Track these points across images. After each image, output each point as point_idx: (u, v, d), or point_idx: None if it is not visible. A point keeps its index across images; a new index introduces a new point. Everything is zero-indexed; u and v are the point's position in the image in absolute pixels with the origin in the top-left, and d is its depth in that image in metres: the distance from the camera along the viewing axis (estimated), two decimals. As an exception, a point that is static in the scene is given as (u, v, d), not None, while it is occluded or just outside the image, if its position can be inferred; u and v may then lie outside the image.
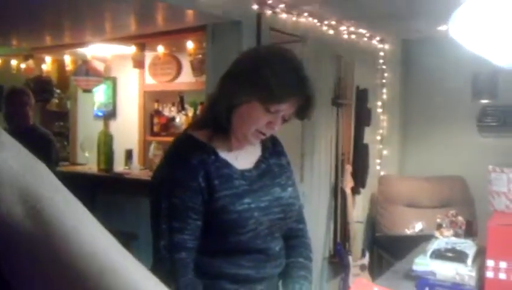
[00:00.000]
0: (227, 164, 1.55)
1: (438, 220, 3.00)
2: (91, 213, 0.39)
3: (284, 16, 3.55)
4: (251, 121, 1.51)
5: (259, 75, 1.48)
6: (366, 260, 3.91)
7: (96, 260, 0.37)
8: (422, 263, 1.86)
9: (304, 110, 1.56)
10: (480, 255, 1.90)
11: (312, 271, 1.73)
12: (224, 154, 1.56)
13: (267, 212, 1.56)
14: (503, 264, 1.71)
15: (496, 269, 1.73)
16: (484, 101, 4.81)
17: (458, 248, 1.94)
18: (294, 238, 1.74)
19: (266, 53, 1.61)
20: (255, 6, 3.31)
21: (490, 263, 1.73)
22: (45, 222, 0.35)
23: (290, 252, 1.71)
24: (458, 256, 1.87)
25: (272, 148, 1.71)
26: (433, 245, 1.99)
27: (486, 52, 1.36)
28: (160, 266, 1.46)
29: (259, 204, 1.54)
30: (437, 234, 2.78)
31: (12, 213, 0.34)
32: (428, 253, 1.91)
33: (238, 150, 1.60)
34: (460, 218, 2.95)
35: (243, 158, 1.61)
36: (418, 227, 3.85)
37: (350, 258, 3.86)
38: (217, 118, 1.53)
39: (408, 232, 3.96)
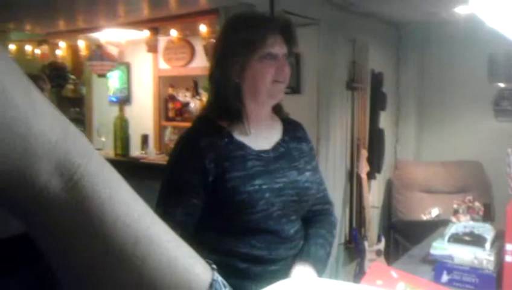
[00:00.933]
0: (242, 146, 1.58)
1: (455, 206, 2.97)
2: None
3: (297, -2, 3.51)
4: (261, 78, 1.56)
5: (234, 39, 1.56)
6: (381, 245, 3.89)
7: (132, 229, 0.36)
8: (440, 247, 1.84)
9: (291, 39, 1.61)
10: (499, 239, 1.87)
11: (332, 245, 1.72)
12: (241, 137, 1.59)
13: (281, 193, 1.57)
14: (522, 249, 1.68)
15: (515, 253, 1.70)
16: (501, 85, 4.73)
17: (476, 232, 1.91)
18: (319, 215, 1.76)
19: (229, 21, 1.69)
20: (269, -11, 3.27)
21: (509, 247, 1.70)
22: (81, 193, 0.34)
23: (313, 224, 1.73)
24: (476, 240, 1.84)
25: (292, 133, 1.72)
26: (451, 229, 1.96)
27: (507, 30, 1.33)
28: None
29: (272, 185, 1.55)
30: (454, 219, 2.76)
31: (49, 187, 0.33)
32: (446, 237, 1.89)
33: (257, 130, 1.62)
34: (477, 203, 2.91)
35: (262, 140, 1.63)
36: (434, 213, 3.82)
37: (366, 243, 3.84)
38: (229, 100, 1.58)
39: (424, 217, 3.93)
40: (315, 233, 1.70)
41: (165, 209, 1.50)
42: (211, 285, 0.41)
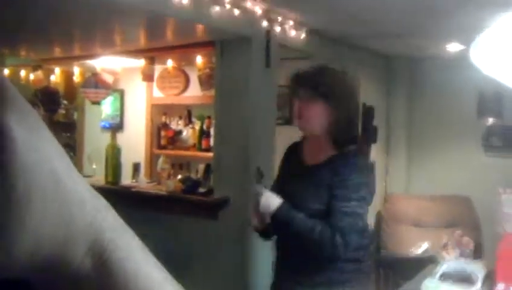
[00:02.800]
0: (299, 158, 2.19)
1: (444, 240, 2.99)
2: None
3: (292, 32, 3.58)
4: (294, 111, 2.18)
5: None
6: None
7: None
8: (431, 286, 1.85)
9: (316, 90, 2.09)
10: (489, 278, 1.89)
11: (312, 234, 1.96)
12: (303, 153, 2.19)
13: (285, 194, 2.08)
14: (513, 288, 1.70)
15: (506, 292, 1.72)
16: (489, 121, 4.81)
17: (467, 271, 1.93)
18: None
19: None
20: (265, 23, 3.34)
21: (500, 286, 1.73)
22: (110, 270, 0.35)
23: None
24: (467, 279, 1.86)
25: (332, 165, 2.06)
26: (442, 267, 1.98)
27: (503, 77, 1.37)
28: None
29: (286, 186, 2.16)
30: (443, 253, 2.77)
31: (82, 267, 0.34)
32: (437, 275, 1.91)
33: (310, 151, 2.17)
34: (466, 238, 2.94)
35: (312, 158, 2.14)
36: (423, 247, 3.84)
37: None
38: None
39: (413, 251, 3.94)
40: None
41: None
42: None
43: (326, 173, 2.03)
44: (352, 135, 2.16)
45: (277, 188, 2.13)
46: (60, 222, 0.32)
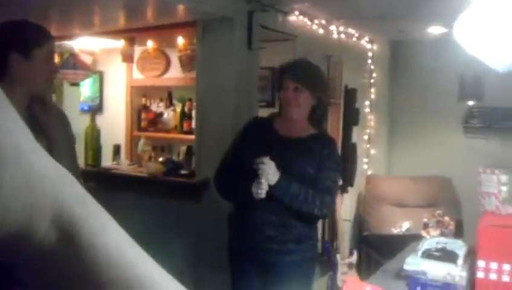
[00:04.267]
0: (274, 131, 2.50)
1: (425, 220, 3.02)
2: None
3: (274, 14, 3.54)
4: (282, 99, 2.54)
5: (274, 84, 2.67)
6: (354, 259, 3.91)
7: (125, 275, 0.36)
8: (414, 263, 1.87)
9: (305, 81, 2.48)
10: (470, 255, 1.92)
11: (307, 197, 2.36)
12: (276, 125, 2.53)
13: (275, 162, 2.34)
14: (493, 265, 1.73)
15: (486, 269, 1.74)
16: (470, 103, 4.86)
17: (449, 248, 1.95)
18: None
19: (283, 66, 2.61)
20: (246, 4, 3.30)
21: (481, 263, 1.75)
22: (76, 243, 0.35)
23: None
24: (449, 256, 1.88)
25: (318, 140, 2.49)
26: (424, 245, 2.00)
27: (486, 57, 1.37)
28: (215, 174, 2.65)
29: (272, 155, 2.32)
30: (424, 233, 2.80)
31: (46, 239, 0.34)
32: (419, 253, 1.92)
33: (289, 126, 2.49)
34: (446, 218, 2.97)
35: (289, 131, 2.48)
36: (404, 226, 3.88)
37: (338, 256, 3.86)
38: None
39: (395, 231, 3.98)
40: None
41: (224, 158, 2.65)
42: None
43: (315, 145, 2.45)
44: (325, 117, 2.73)
45: (253, 155, 2.34)
46: (21, 195, 0.32)
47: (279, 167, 2.31)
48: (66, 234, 0.34)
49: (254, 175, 2.31)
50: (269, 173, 2.28)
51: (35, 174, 0.33)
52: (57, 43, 4.46)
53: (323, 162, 2.42)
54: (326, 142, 2.51)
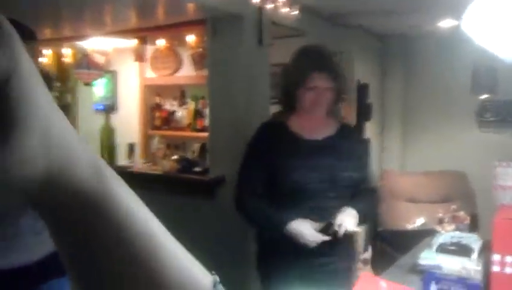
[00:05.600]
0: (292, 134, 2.15)
1: (440, 215, 3.01)
2: None
3: (285, 9, 3.54)
4: (303, 101, 2.12)
5: (288, 69, 2.19)
6: (368, 254, 3.91)
7: (149, 235, 0.40)
8: (428, 257, 1.86)
9: (332, 78, 2.11)
10: (486, 249, 1.90)
11: (372, 201, 2.32)
12: (294, 128, 2.17)
13: (315, 170, 2.08)
14: (509, 259, 1.71)
15: (502, 263, 1.73)
16: (483, 96, 4.81)
17: (463, 242, 1.94)
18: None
19: (294, 54, 2.23)
20: (256, 0, 3.29)
21: (496, 257, 1.73)
22: (106, 192, 0.38)
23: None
24: (464, 250, 1.87)
25: (345, 133, 2.23)
26: (439, 239, 1.99)
27: (496, 48, 1.36)
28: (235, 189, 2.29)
29: (310, 163, 2.09)
30: (439, 228, 2.79)
31: (83, 180, 0.36)
32: (434, 247, 1.91)
33: (309, 125, 2.17)
34: (461, 213, 2.95)
35: (312, 132, 2.16)
36: (419, 222, 3.86)
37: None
38: (282, 106, 2.26)
39: (409, 227, 3.96)
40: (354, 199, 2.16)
41: (240, 177, 2.28)
42: (214, 285, 0.45)
43: (346, 142, 2.18)
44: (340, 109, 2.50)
45: (289, 171, 2.07)
46: (63, 137, 0.35)
47: (325, 179, 2.06)
48: (99, 176, 0.37)
49: (294, 197, 2.06)
50: (349, 228, 2.02)
51: (74, 133, 0.37)
52: (70, 43, 4.52)
53: (361, 159, 2.22)
54: (353, 135, 2.32)
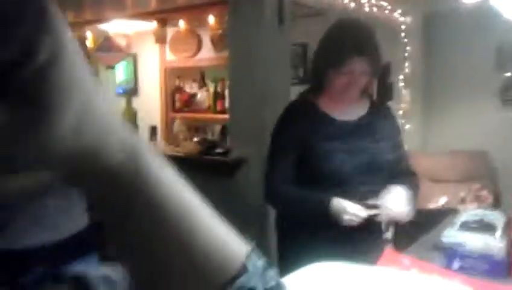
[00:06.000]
0: (325, 115, 1.99)
1: (462, 194, 2.99)
2: None
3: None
4: (335, 85, 1.94)
5: (322, 48, 1.99)
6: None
7: (187, 210, 0.41)
8: (451, 235, 1.86)
9: (372, 62, 1.90)
10: (509, 226, 1.90)
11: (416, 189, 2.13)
12: (325, 109, 2.00)
13: (355, 155, 1.95)
14: (533, 235, 1.71)
15: (525, 240, 1.72)
16: (508, 74, 4.73)
17: (486, 220, 1.93)
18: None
19: (331, 27, 2.01)
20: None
21: (520, 234, 1.73)
22: (143, 170, 0.39)
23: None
24: (487, 227, 1.86)
25: (378, 112, 2.07)
26: (462, 217, 1.98)
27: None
28: (264, 181, 2.05)
29: (348, 147, 1.95)
30: (461, 208, 2.78)
31: (119, 157, 0.37)
32: (457, 225, 1.91)
33: (341, 106, 2.00)
34: (484, 192, 2.93)
35: (345, 112, 2.00)
36: (441, 201, 3.84)
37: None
38: (311, 85, 2.09)
39: (432, 206, 3.95)
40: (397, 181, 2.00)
41: (272, 164, 2.06)
42: (248, 255, 0.46)
43: (383, 122, 2.05)
44: None
45: (326, 153, 1.92)
46: (98, 119, 0.36)
47: (361, 163, 1.94)
48: (136, 160, 0.38)
49: (328, 182, 1.92)
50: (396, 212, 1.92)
51: (110, 112, 0.37)
52: (91, 26, 4.56)
53: (396, 139, 2.09)
54: (386, 114, 2.12)
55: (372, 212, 1.89)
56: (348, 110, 2.01)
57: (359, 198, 1.90)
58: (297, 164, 1.98)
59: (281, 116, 2.08)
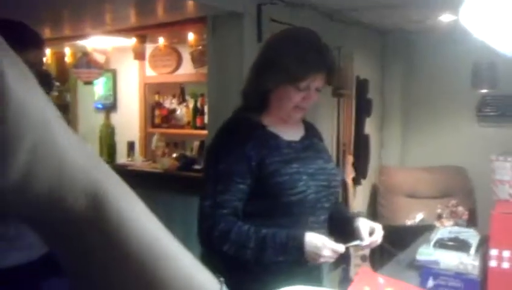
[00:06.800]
0: (274, 136, 1.73)
1: (439, 211, 3.01)
2: None
3: (284, 6, 3.54)
4: (287, 102, 1.70)
5: (279, 61, 1.68)
6: (367, 251, 3.93)
7: (152, 248, 0.39)
8: (426, 253, 1.88)
9: (330, 77, 1.74)
10: (483, 244, 1.92)
11: None
12: (271, 128, 1.75)
13: (314, 178, 1.72)
14: (506, 253, 1.73)
15: (499, 258, 1.74)
16: (483, 91, 4.81)
17: (461, 237, 1.95)
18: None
19: (282, 38, 1.79)
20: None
21: (493, 252, 1.75)
22: (105, 213, 0.37)
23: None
24: (461, 245, 1.88)
25: (312, 131, 1.91)
26: (436, 235, 2.00)
27: (494, 41, 1.37)
28: (202, 223, 1.62)
29: (306, 170, 1.71)
30: (437, 224, 2.80)
31: (76, 206, 0.35)
32: (432, 242, 1.93)
33: (284, 126, 1.78)
34: (460, 208, 2.96)
35: (289, 133, 1.79)
36: (418, 217, 3.87)
37: (351, 248, 3.87)
38: (251, 103, 1.77)
39: (408, 222, 3.98)
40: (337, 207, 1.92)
41: (214, 199, 1.59)
42: None
43: (319, 140, 1.91)
44: None
45: (260, 175, 1.64)
46: (52, 162, 0.34)
47: (322, 186, 1.74)
48: (96, 204, 0.36)
49: (291, 213, 1.66)
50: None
51: (64, 144, 0.35)
52: (70, 42, 4.53)
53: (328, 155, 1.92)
54: (317, 131, 1.97)
55: (352, 244, 1.76)
56: (290, 130, 1.79)
57: (320, 229, 1.72)
58: (247, 194, 1.64)
59: (221, 137, 1.73)
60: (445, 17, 4.15)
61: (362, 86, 4.50)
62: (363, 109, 4.48)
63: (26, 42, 1.64)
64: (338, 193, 1.94)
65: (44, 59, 4.95)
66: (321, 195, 1.73)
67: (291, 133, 1.79)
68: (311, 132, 1.89)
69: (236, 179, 1.61)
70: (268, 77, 1.69)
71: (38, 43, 1.74)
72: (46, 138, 0.33)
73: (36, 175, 0.33)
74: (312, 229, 1.65)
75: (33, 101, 0.33)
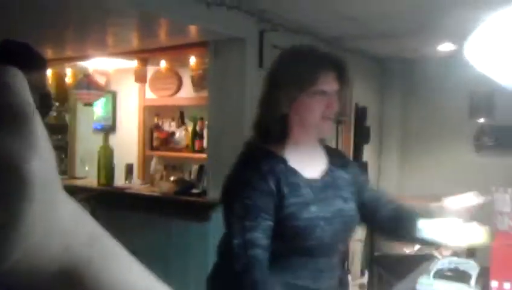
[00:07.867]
0: (294, 172, 1.60)
1: (437, 240, 2.99)
2: None
3: (285, 33, 3.58)
4: (311, 114, 1.60)
5: (285, 74, 1.62)
6: (365, 279, 3.89)
7: None
8: (426, 283, 1.86)
9: (342, 77, 1.65)
10: (483, 275, 1.90)
11: None
12: (293, 164, 1.61)
13: (331, 222, 1.60)
14: (507, 285, 1.72)
15: (500, 289, 1.73)
16: (481, 121, 4.84)
17: (461, 268, 1.94)
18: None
19: (283, 54, 1.74)
20: (257, 24, 3.34)
21: (494, 283, 1.74)
22: (84, 279, 0.35)
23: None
24: (461, 276, 1.87)
25: (336, 161, 1.75)
26: (436, 265, 1.99)
27: (497, 75, 1.38)
28: (235, 263, 1.50)
29: (324, 214, 1.59)
30: (436, 253, 2.78)
31: (51, 279, 0.34)
32: (432, 273, 1.91)
33: (305, 158, 1.65)
34: (459, 237, 2.93)
35: (310, 168, 1.66)
36: (417, 246, 3.84)
37: (349, 277, 3.84)
38: (270, 133, 1.63)
39: (407, 251, 3.95)
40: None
41: (243, 238, 1.49)
42: None
43: (341, 173, 1.74)
44: None
45: (281, 216, 1.55)
46: (43, 240, 0.33)
47: (338, 229, 1.63)
48: (72, 278, 0.35)
49: (305, 256, 1.60)
50: None
51: (55, 228, 0.34)
52: (71, 63, 4.55)
53: (359, 183, 1.79)
54: (342, 157, 1.83)
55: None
56: (312, 164, 1.67)
57: (330, 273, 1.66)
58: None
59: (243, 170, 1.63)
60: (444, 47, 4.20)
61: (361, 113, 4.52)
62: (361, 136, 4.49)
63: (31, 65, 1.63)
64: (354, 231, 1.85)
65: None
66: (336, 239, 1.64)
67: (312, 169, 1.66)
68: (334, 161, 1.74)
69: (263, 215, 1.51)
70: (280, 95, 1.60)
71: (42, 65, 1.74)
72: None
73: (32, 247, 0.33)
74: (323, 271, 1.62)
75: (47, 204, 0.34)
